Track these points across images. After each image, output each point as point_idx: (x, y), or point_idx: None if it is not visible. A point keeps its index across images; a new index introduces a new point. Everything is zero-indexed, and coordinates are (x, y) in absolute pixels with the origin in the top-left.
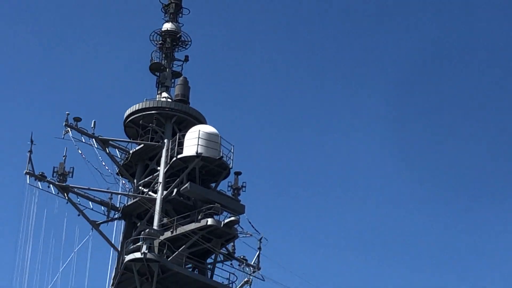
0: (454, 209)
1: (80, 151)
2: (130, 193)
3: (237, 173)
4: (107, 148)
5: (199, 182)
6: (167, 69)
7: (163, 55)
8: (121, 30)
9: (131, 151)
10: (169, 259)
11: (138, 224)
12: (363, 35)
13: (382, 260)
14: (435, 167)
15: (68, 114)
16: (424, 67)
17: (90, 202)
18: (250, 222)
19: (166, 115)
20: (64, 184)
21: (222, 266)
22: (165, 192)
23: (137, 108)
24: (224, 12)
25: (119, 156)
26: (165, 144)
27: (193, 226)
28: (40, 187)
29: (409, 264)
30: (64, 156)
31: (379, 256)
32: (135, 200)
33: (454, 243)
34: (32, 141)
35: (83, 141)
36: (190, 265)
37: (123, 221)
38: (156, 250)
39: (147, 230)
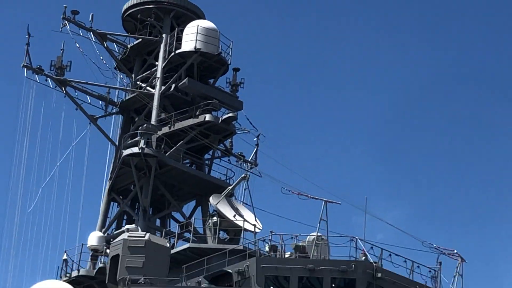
0: None
1: (77, 45)
2: (128, 88)
3: (236, 69)
4: (105, 42)
5: (197, 77)
6: None
7: None
8: None
9: (129, 46)
10: (166, 154)
11: (136, 119)
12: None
13: (385, 155)
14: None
15: (65, 7)
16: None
17: (87, 97)
18: (248, 119)
19: (165, 10)
20: (61, 77)
21: (220, 162)
22: (163, 88)
23: (135, 2)
24: None
25: (117, 51)
26: (163, 39)
27: (191, 121)
28: (38, 81)
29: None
30: (61, 49)
31: (380, 152)
32: (133, 95)
33: None
34: (29, 34)
35: (81, 34)
36: (187, 161)
37: (121, 115)
38: (153, 145)
39: (145, 125)
